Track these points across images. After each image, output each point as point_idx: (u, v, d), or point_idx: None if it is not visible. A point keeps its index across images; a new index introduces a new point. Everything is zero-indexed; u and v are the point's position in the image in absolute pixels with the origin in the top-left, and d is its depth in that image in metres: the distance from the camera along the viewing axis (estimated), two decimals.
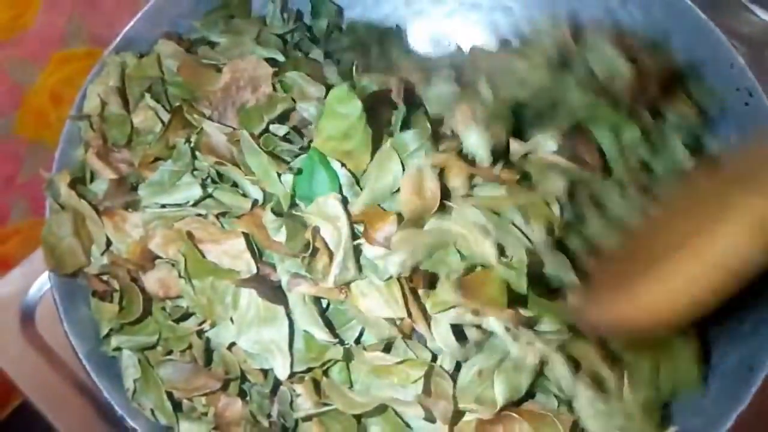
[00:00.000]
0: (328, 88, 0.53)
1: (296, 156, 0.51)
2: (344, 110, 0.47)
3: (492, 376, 0.46)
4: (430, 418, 0.46)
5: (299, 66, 0.56)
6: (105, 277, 0.52)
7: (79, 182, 0.53)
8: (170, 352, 0.50)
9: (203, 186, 0.50)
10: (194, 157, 0.51)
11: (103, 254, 0.52)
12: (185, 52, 0.58)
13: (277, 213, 0.49)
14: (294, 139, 0.53)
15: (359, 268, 0.47)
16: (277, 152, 0.51)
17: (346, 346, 0.48)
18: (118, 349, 0.51)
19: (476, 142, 0.50)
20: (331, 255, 0.46)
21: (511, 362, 0.47)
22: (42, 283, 0.76)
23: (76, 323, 0.52)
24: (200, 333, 0.49)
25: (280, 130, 0.53)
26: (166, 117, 0.55)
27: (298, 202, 0.49)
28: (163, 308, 0.50)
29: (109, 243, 0.52)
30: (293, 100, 0.53)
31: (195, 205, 0.51)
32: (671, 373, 0.51)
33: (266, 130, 0.53)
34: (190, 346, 0.49)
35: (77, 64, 0.84)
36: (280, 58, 0.58)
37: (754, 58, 0.61)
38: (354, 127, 0.47)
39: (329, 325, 0.48)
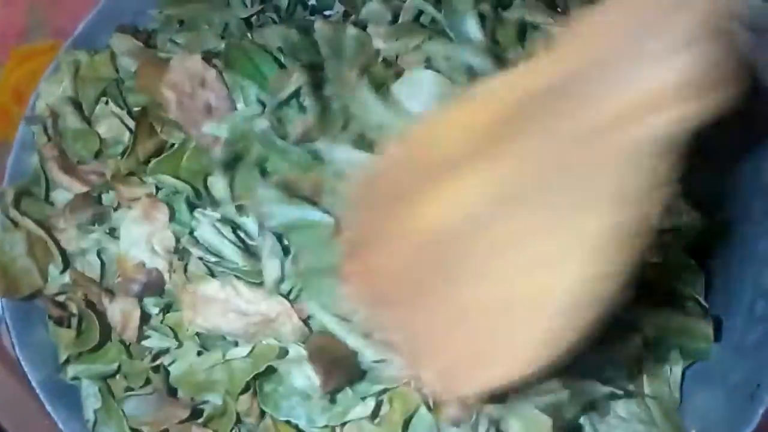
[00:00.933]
0: None
1: None
2: None
3: None
4: None
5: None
6: (62, 299, 0.48)
7: (27, 195, 0.49)
8: (131, 389, 0.46)
9: None
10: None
11: (62, 273, 0.49)
12: (143, 46, 0.53)
13: None
14: None
15: None
16: None
17: None
18: (77, 378, 0.47)
19: None
20: None
21: None
22: None
23: (32, 347, 0.49)
24: (156, 369, 0.45)
25: None
26: (131, 123, 0.50)
27: None
28: (121, 340, 0.46)
29: (66, 262, 0.48)
30: None
31: None
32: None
33: None
34: (149, 381, 0.45)
35: (40, 58, 0.78)
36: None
37: (758, 45, 0.57)
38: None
39: None
